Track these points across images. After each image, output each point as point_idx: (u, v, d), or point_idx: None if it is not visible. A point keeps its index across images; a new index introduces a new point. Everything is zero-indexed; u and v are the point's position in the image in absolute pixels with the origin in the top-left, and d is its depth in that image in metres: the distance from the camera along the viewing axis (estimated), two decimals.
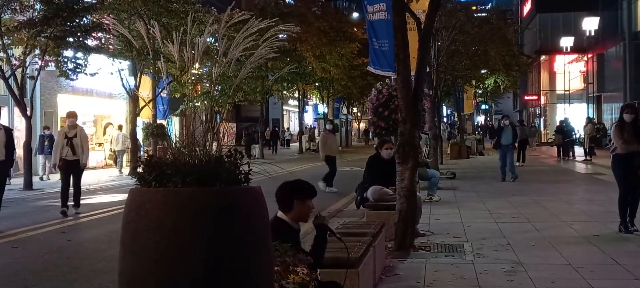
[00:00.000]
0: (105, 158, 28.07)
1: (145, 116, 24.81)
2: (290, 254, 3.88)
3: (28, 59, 17.94)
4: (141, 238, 3.07)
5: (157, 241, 3.03)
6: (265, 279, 3.28)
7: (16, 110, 20.42)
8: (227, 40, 3.80)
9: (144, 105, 23.40)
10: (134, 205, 3.13)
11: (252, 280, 3.14)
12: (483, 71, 32.68)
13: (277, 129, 51.68)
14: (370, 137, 42.38)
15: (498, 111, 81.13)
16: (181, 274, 3.01)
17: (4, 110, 23.20)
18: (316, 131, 55.39)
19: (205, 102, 3.84)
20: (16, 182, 18.52)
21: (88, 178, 20.10)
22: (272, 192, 4.39)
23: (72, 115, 12.56)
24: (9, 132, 11.01)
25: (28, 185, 17.74)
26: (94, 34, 19.65)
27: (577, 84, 46.75)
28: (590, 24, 37.75)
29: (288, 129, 58.49)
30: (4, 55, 17.39)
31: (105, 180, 20.62)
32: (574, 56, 46.18)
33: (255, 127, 41.05)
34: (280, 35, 4.13)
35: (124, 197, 3.30)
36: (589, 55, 40.50)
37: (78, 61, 19.51)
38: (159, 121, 24.62)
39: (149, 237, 3.05)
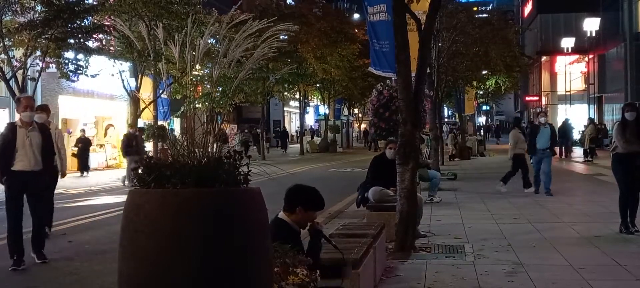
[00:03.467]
0: (106, 160, 28.11)
1: (146, 117, 24.82)
2: (290, 255, 3.88)
3: (29, 61, 17.92)
4: (140, 240, 3.07)
5: (155, 242, 3.03)
6: (263, 280, 3.28)
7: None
8: (228, 42, 3.80)
9: (145, 107, 23.42)
10: (133, 207, 3.13)
11: (251, 281, 3.14)
12: (484, 72, 32.67)
13: (284, 128, 51.87)
14: (371, 138, 42.28)
15: (499, 112, 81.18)
16: (180, 275, 3.01)
17: (5, 111, 23.28)
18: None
19: (206, 103, 3.84)
20: None
21: (90, 180, 20.16)
22: (272, 193, 4.40)
23: (43, 110, 9.28)
24: (45, 131, 8.10)
25: None
26: (95, 36, 19.63)
27: (578, 84, 46.72)
28: (591, 24, 37.74)
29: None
30: (5, 57, 17.36)
31: (106, 181, 20.60)
32: (575, 57, 46.18)
33: (253, 129, 41.01)
34: (281, 36, 4.13)
35: (124, 198, 3.30)
36: (590, 56, 40.48)
37: (79, 63, 19.49)
38: (160, 122, 24.61)
39: (147, 238, 3.05)
